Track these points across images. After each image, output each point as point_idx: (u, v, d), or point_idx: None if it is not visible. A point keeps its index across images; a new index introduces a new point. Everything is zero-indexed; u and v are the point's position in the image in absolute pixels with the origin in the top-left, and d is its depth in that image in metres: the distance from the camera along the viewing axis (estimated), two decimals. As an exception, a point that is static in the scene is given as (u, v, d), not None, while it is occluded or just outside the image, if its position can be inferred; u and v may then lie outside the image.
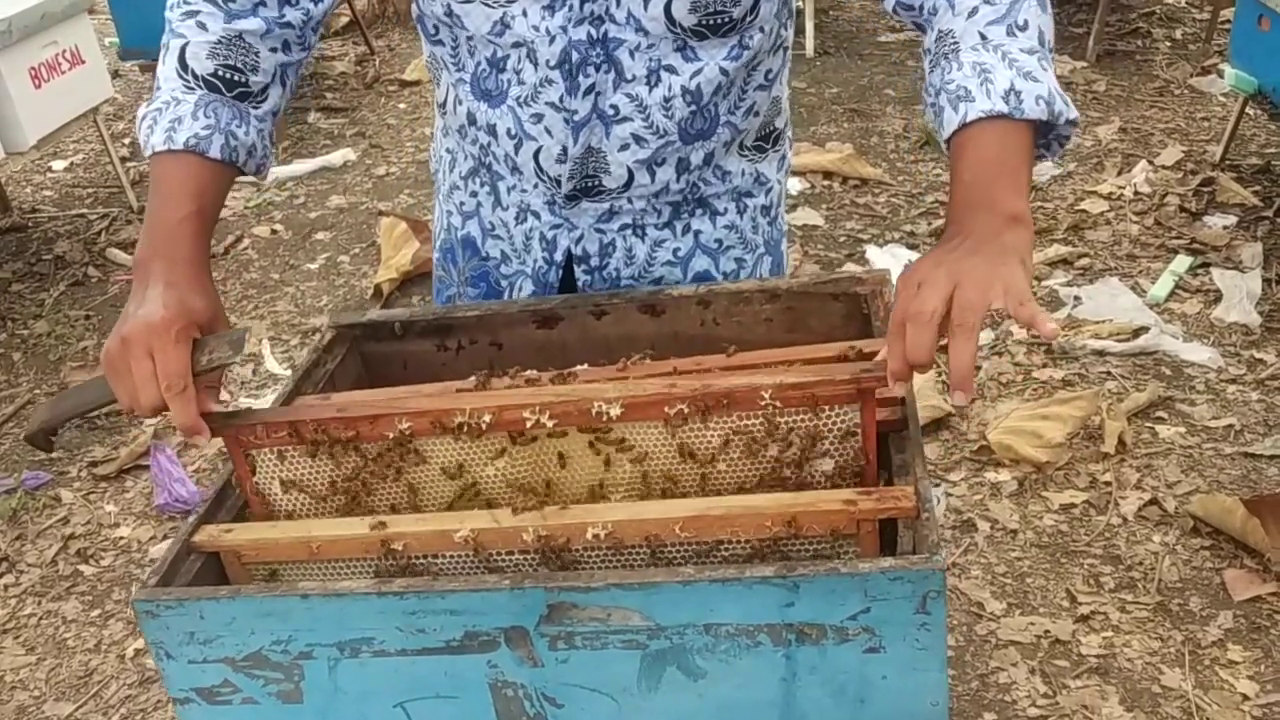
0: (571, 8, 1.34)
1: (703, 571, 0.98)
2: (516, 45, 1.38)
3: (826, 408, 1.11)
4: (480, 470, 1.18)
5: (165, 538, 3.05)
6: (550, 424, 1.14)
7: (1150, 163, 4.53)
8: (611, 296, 1.45)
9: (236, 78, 1.35)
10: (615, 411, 1.12)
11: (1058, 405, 3.13)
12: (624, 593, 0.98)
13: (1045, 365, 3.43)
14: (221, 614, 1.05)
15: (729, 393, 1.11)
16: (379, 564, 1.15)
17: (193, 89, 1.33)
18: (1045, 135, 1.21)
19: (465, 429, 1.15)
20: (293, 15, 1.38)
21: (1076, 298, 3.73)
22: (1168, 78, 5.34)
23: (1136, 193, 4.35)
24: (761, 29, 1.40)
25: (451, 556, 1.13)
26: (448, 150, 1.64)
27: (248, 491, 1.23)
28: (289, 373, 3.63)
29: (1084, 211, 4.24)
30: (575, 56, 1.36)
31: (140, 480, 3.28)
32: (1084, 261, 3.95)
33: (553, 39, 1.36)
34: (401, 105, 5.92)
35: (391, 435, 1.17)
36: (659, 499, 1.15)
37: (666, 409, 1.12)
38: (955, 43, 1.21)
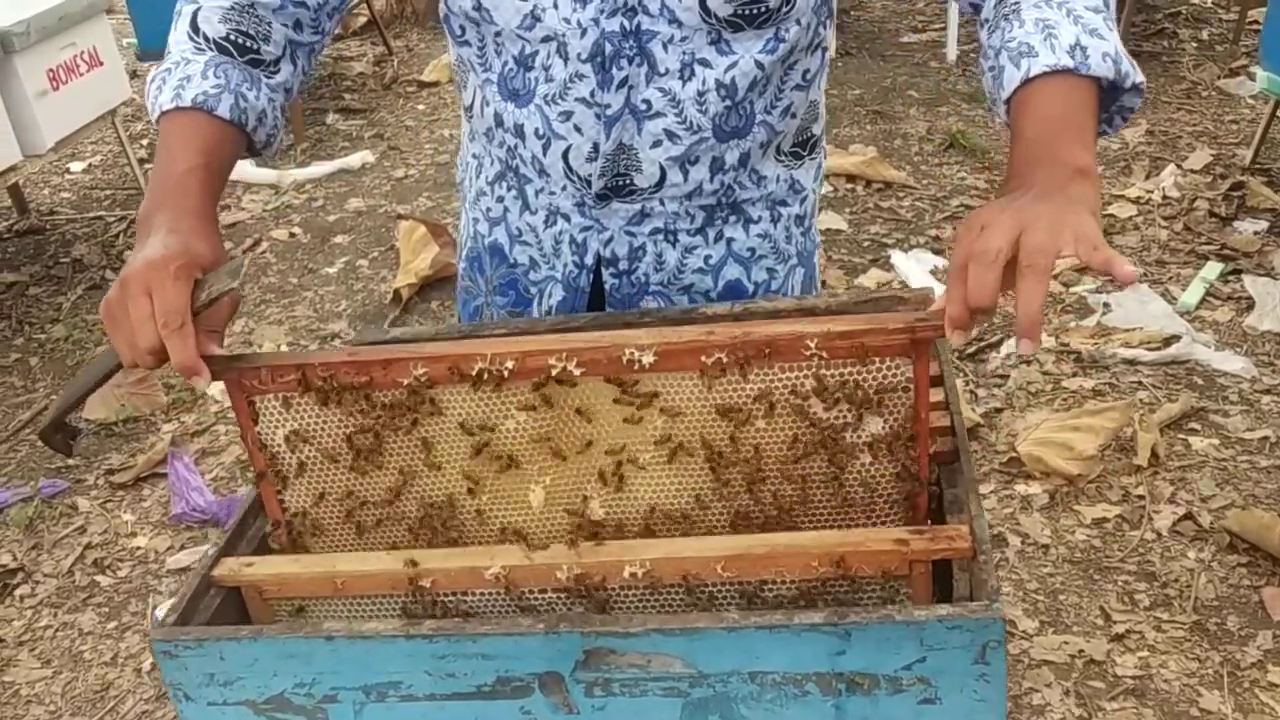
0: None
1: (748, 617, 0.93)
2: (546, 39, 1.35)
3: (877, 359, 1.04)
4: (500, 424, 1.11)
5: (182, 548, 3.02)
6: (577, 372, 1.07)
7: (1179, 166, 4.47)
8: (643, 315, 1.40)
9: (248, 44, 1.33)
10: (648, 359, 1.06)
11: (1089, 416, 3.07)
12: (665, 638, 0.93)
13: (1075, 374, 3.37)
14: (243, 655, 1.01)
15: (771, 341, 1.04)
16: (406, 602, 1.10)
17: (203, 50, 1.31)
18: (1108, 107, 1.16)
19: (486, 376, 1.08)
20: None
21: (1106, 305, 3.67)
22: (1195, 79, 5.27)
23: (1165, 197, 4.28)
24: (798, 22, 1.36)
25: (482, 594, 1.08)
26: (474, 156, 1.60)
27: (249, 443, 1.16)
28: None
29: (1112, 216, 4.18)
30: (608, 49, 1.33)
31: (158, 489, 3.24)
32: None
33: (584, 31, 1.33)
34: (420, 106, 5.89)
35: (406, 382, 1.10)
36: (690, 458, 1.09)
37: (703, 358, 1.05)
38: (1016, 3, 1.18)
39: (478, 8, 1.37)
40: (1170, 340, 3.46)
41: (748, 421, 1.07)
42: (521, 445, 1.12)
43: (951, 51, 5.71)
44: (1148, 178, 4.44)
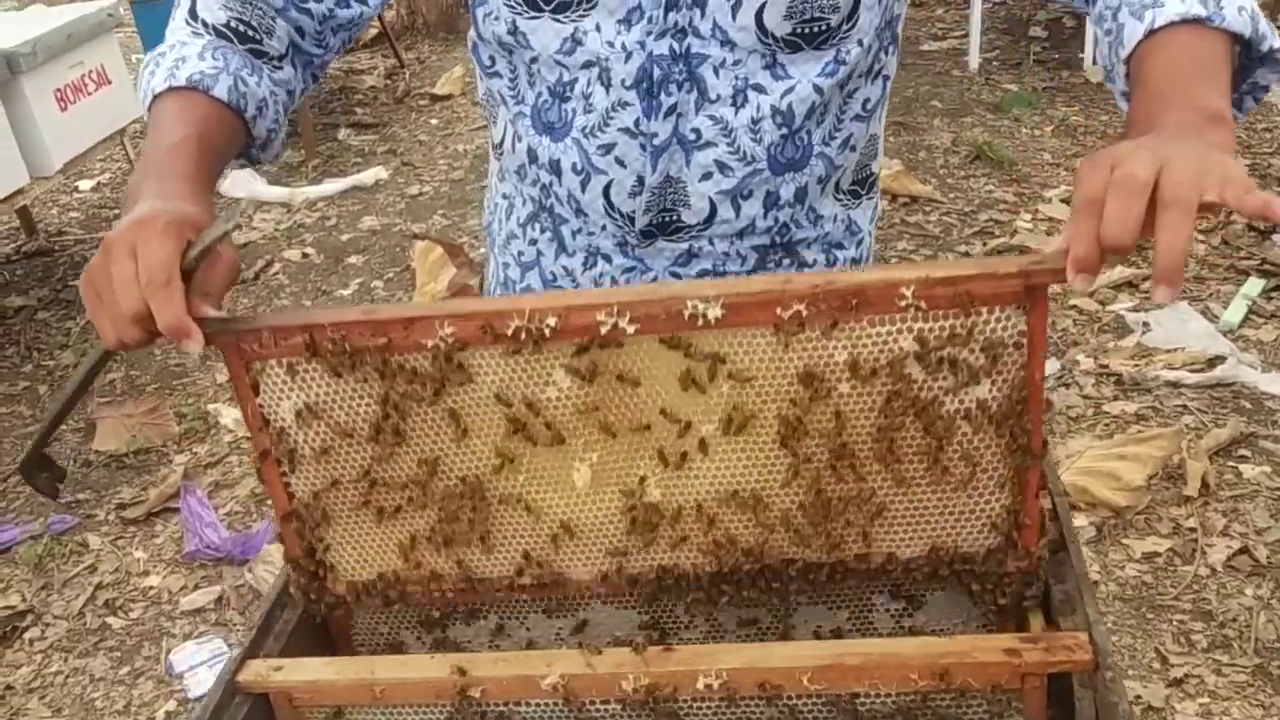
0: (652, 20, 1.22)
1: (847, 746, 0.82)
2: (587, 65, 1.26)
3: (984, 310, 0.90)
4: (540, 393, 0.97)
5: (196, 587, 2.91)
6: (630, 329, 0.93)
7: (1213, 177, 4.34)
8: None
9: (250, 34, 1.23)
10: (714, 313, 0.92)
11: (1135, 444, 2.96)
12: (751, 770, 0.83)
13: (1116, 397, 3.25)
14: (274, 780, 0.90)
15: (859, 289, 0.90)
16: (452, 712, 0.99)
17: (201, 35, 1.20)
18: (1238, 86, 1.03)
19: (523, 336, 0.95)
20: (315, 6, 1.26)
21: (1145, 324, 3.56)
22: (1225, 86, 5.15)
23: (1201, 210, 4.17)
24: (859, 43, 1.27)
25: (538, 705, 0.98)
26: (504, 196, 1.50)
27: (249, 418, 1.03)
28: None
29: (1146, 230, 4.06)
30: (656, 73, 1.24)
31: (170, 524, 3.14)
32: (1149, 284, 3.76)
33: (629, 55, 1.24)
34: (433, 120, 5.79)
35: (431, 344, 0.96)
36: (762, 430, 0.96)
37: (779, 310, 0.91)
38: None
39: (513, 32, 1.28)
40: (1214, 361, 3.34)
41: (830, 386, 0.93)
42: (565, 417, 0.98)
43: (974, 60, 5.60)
44: (1181, 189, 4.32)
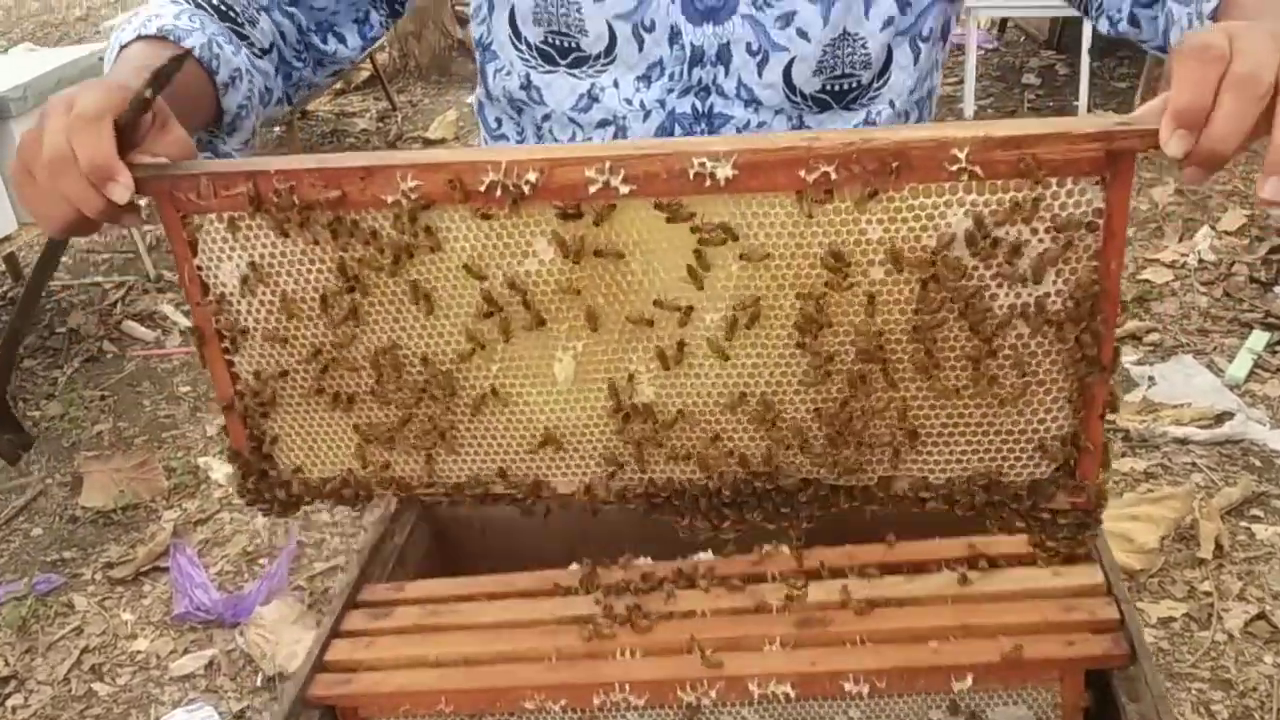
0: (674, 76, 1.19)
1: None
2: (603, 124, 1.23)
3: (1053, 182, 0.77)
4: (517, 266, 0.85)
5: (185, 651, 2.83)
6: (624, 189, 0.81)
7: (1212, 228, 4.33)
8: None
9: (233, 15, 1.14)
10: (724, 173, 0.79)
11: (1148, 505, 2.91)
12: None
13: (1125, 454, 3.21)
14: None
15: (901, 150, 0.77)
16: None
17: (180, 3, 1.11)
18: None
19: (499, 193, 0.83)
20: (299, 16, 1.21)
21: (1150, 378, 3.52)
22: (1221, 136, 5.15)
23: (1201, 261, 4.15)
24: (891, 105, 1.23)
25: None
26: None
27: (186, 282, 0.93)
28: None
29: (1148, 281, 4.04)
30: (677, 133, 1.20)
31: (159, 584, 3.05)
32: (1153, 337, 3.75)
33: (648, 114, 1.20)
34: (426, 165, 5.75)
35: (391, 200, 0.85)
36: (777, 321, 0.84)
37: (803, 173, 0.78)
38: None
39: (526, 87, 1.24)
40: (1222, 417, 3.31)
41: (861, 271, 0.81)
42: (545, 296, 0.87)
43: (968, 107, 5.59)
44: (1181, 239, 4.31)
